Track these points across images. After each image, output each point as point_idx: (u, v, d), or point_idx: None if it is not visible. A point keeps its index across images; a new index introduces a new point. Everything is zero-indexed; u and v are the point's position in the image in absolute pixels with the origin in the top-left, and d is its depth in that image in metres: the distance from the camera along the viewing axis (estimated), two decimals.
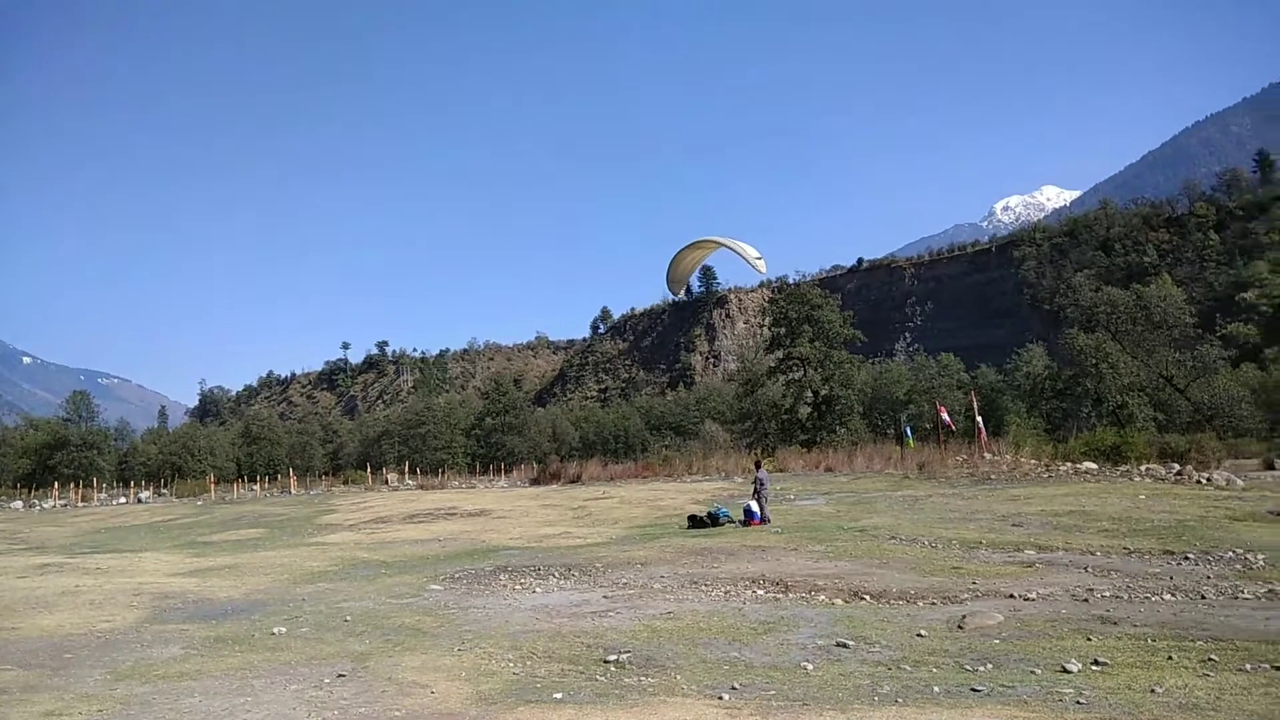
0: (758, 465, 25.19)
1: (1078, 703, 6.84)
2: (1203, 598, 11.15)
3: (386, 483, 60.84)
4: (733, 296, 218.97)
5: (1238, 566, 13.51)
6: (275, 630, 11.55)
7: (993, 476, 31.44)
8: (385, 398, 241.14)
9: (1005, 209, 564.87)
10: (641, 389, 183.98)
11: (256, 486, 68.04)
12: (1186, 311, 59.44)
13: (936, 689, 7.38)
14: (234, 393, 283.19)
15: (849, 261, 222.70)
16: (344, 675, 8.88)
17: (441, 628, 11.30)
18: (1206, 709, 6.56)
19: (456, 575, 16.28)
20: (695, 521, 22.51)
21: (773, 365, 68.16)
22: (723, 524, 22.17)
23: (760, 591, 12.74)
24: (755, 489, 22.82)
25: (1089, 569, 13.86)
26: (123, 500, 59.61)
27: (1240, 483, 26.42)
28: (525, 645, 9.88)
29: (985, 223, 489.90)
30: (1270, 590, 11.38)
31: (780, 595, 12.40)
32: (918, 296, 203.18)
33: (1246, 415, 54.64)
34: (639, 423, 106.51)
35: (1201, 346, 59.61)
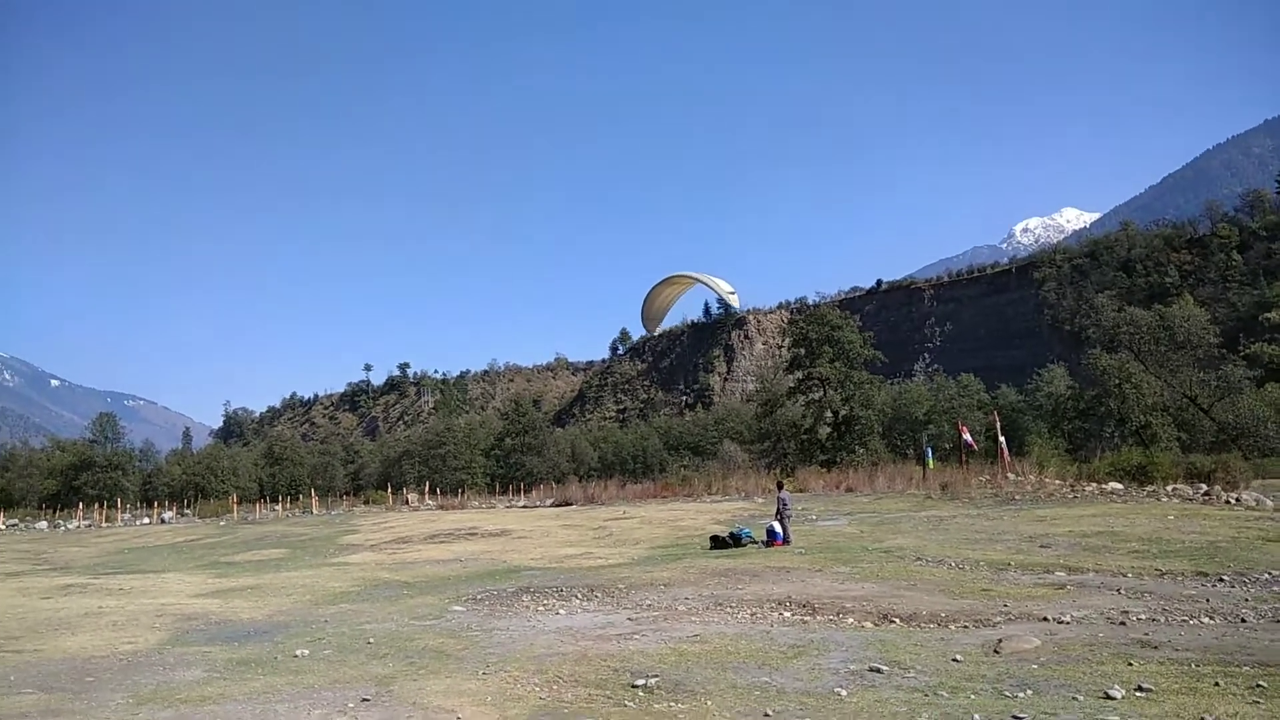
0: (779, 486, 24.99)
1: None
2: (1243, 621, 10.84)
3: (407, 503, 60.88)
4: (751, 318, 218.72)
5: (1275, 589, 13.15)
6: (298, 652, 11.45)
7: (1017, 497, 31.02)
8: (406, 418, 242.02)
9: (1025, 231, 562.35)
10: (660, 410, 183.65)
11: (279, 507, 68.30)
12: (1210, 331, 58.71)
13: (977, 716, 7.17)
14: (257, 414, 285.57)
15: (868, 283, 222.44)
16: (368, 700, 8.77)
17: (465, 650, 11.17)
18: None
19: (479, 596, 16.15)
20: (717, 542, 22.27)
21: (792, 385, 67.83)
22: (745, 544, 21.93)
23: (787, 614, 12.53)
24: (778, 509, 22.58)
25: (1122, 591, 13.54)
26: (146, 520, 59.98)
27: (1270, 503, 25.88)
28: (551, 669, 9.73)
29: (1005, 244, 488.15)
30: None
31: (808, 618, 12.18)
32: (937, 317, 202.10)
33: (1272, 435, 53.76)
34: (658, 443, 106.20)
35: (1225, 367, 58.70)
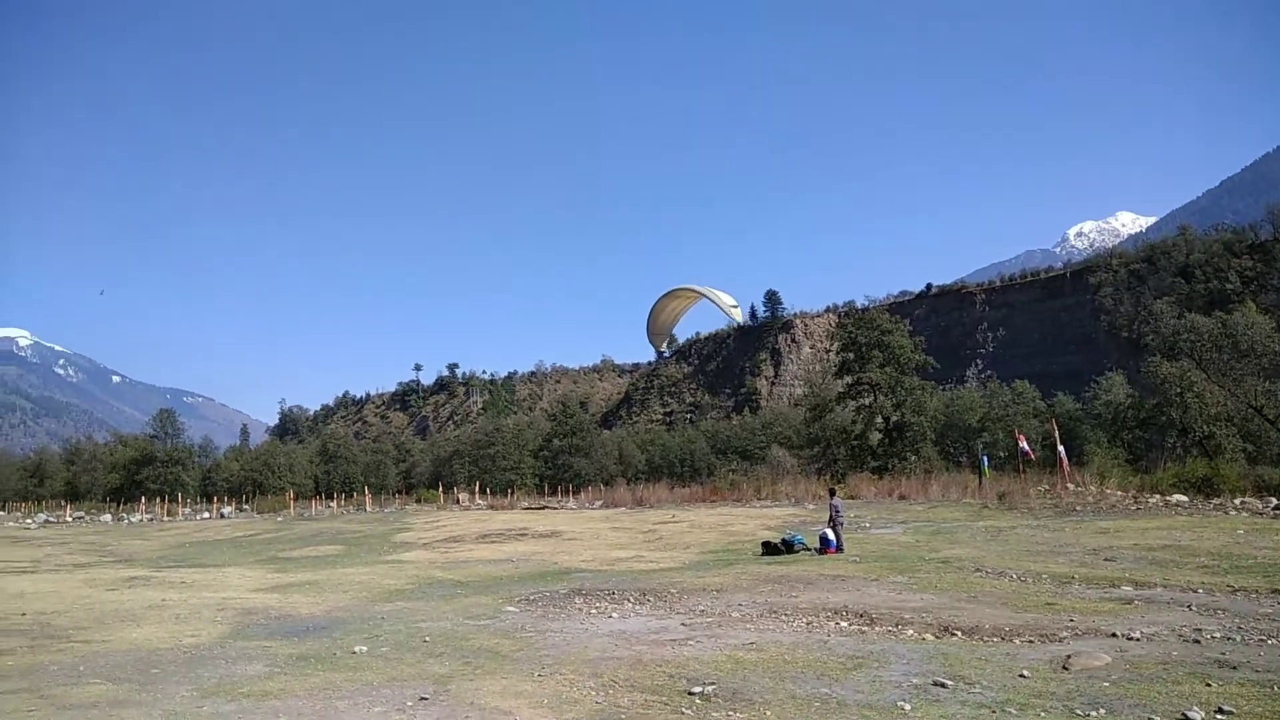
0: (832, 492, 24.66)
1: None
2: None
3: (458, 502, 61.55)
4: (798, 321, 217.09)
5: None
6: (356, 649, 11.59)
7: (1078, 508, 30.26)
8: (456, 418, 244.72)
9: (1079, 235, 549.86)
10: (707, 413, 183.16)
11: (333, 503, 69.49)
12: (1276, 340, 56.59)
13: None
14: (312, 412, 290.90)
15: (917, 286, 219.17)
16: (426, 698, 8.82)
17: (520, 651, 11.19)
18: None
19: (531, 597, 16.21)
20: (770, 548, 22.08)
21: (842, 390, 67.07)
22: (798, 551, 21.71)
23: (844, 623, 12.33)
24: (830, 516, 22.31)
25: (1193, 607, 13.07)
26: (206, 515, 61.46)
27: None
28: (606, 673, 9.69)
29: (1058, 249, 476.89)
30: None
31: (865, 628, 11.98)
32: (989, 323, 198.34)
33: None
34: (705, 446, 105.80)
35: None
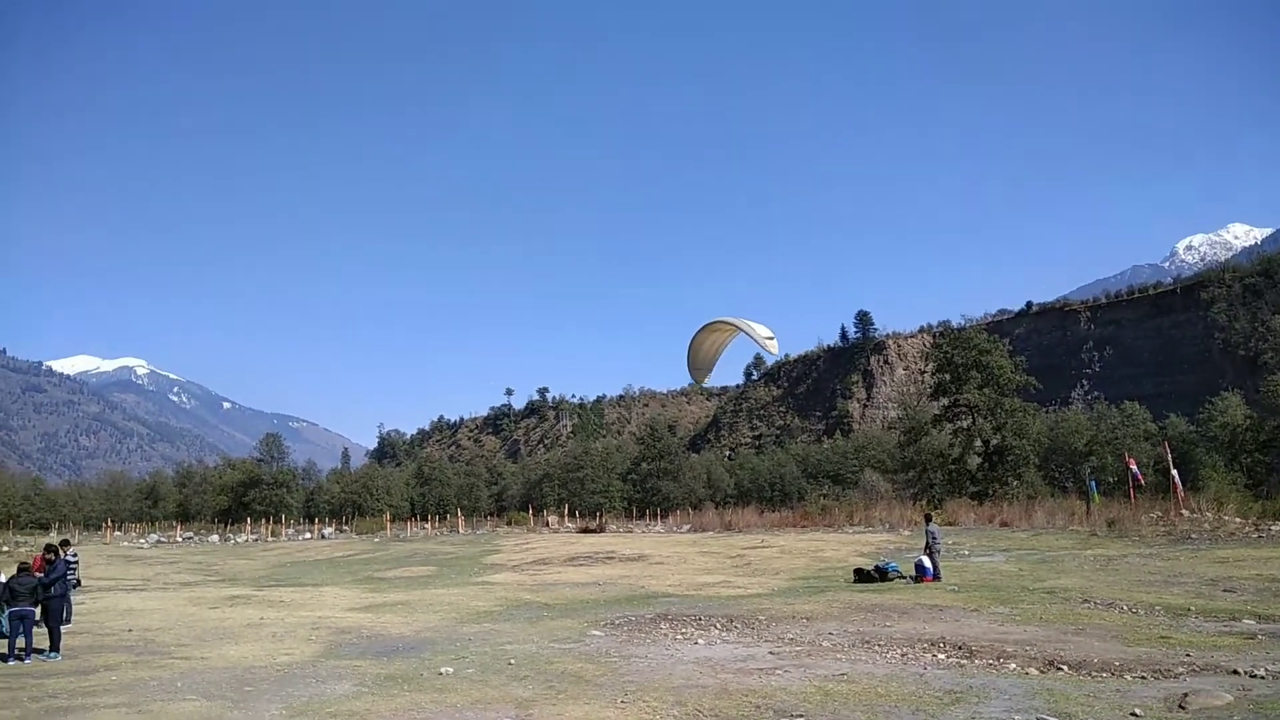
0: (928, 518, 23.84)
1: None
2: None
3: (548, 525, 62.03)
4: (891, 342, 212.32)
5: None
6: (443, 670, 11.66)
7: (1193, 536, 28.51)
8: (546, 442, 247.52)
9: (1189, 248, 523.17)
10: (796, 436, 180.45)
11: (428, 525, 70.94)
12: None
13: None
14: (409, 436, 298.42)
15: (1016, 305, 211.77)
16: None
17: (604, 676, 11.06)
18: None
19: (617, 621, 16.09)
20: (862, 575, 21.44)
21: (938, 413, 65.00)
22: (891, 579, 21.01)
23: (941, 656, 11.79)
24: (927, 543, 21.52)
25: None
26: (308, 536, 63.51)
27: None
28: (690, 701, 9.47)
29: (1167, 263, 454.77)
30: None
31: (964, 661, 11.42)
32: (1095, 341, 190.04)
33: None
34: (795, 470, 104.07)
35: None
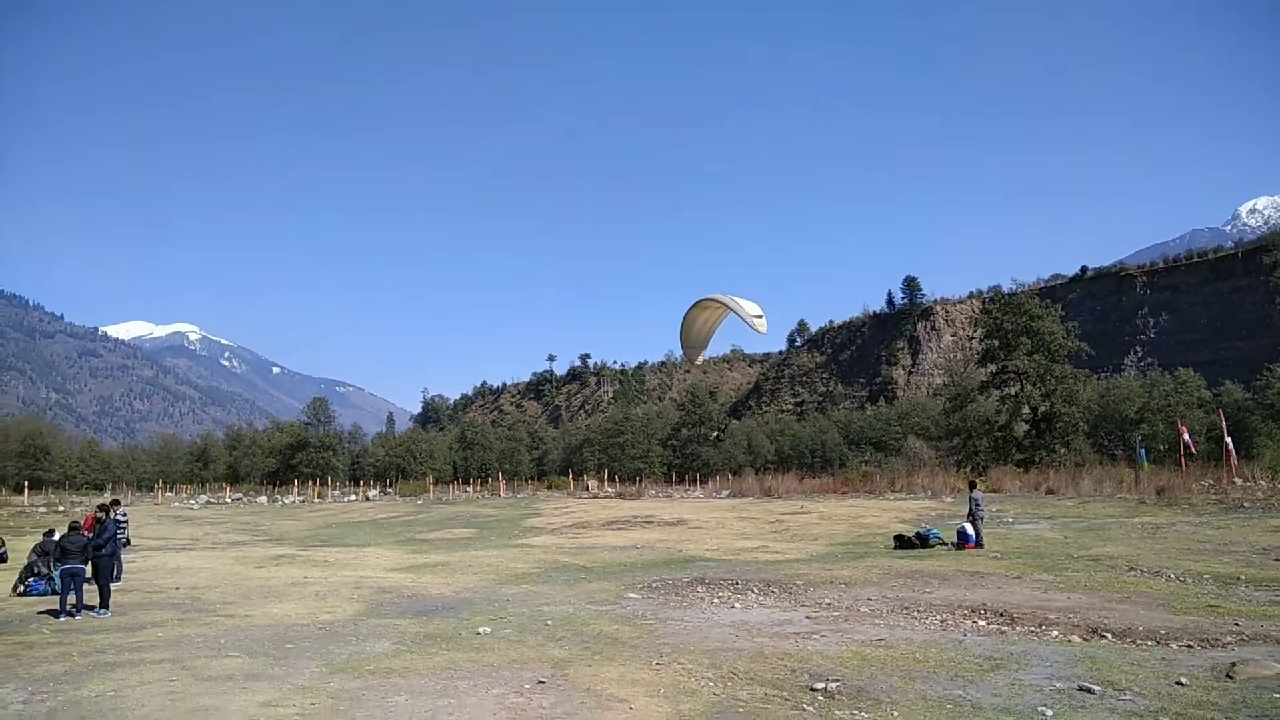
0: (972, 485, 23.48)
1: None
2: None
3: (587, 489, 62.41)
4: (938, 308, 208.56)
5: None
6: (480, 630, 11.76)
7: (1246, 504, 27.74)
8: (587, 407, 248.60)
9: (1252, 212, 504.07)
10: (839, 403, 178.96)
11: (470, 488, 71.89)
12: None
13: None
14: (452, 401, 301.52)
15: (1071, 270, 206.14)
16: (544, 682, 8.80)
17: (640, 638, 11.06)
18: None
19: (654, 584, 16.10)
20: (903, 542, 21.21)
21: (985, 379, 63.89)
22: (933, 545, 20.76)
23: (981, 622, 11.59)
24: (970, 510, 21.21)
25: None
26: (353, 498, 64.72)
27: None
28: (725, 664, 9.43)
29: (1229, 227, 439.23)
30: None
31: (1005, 628, 11.21)
32: (1151, 307, 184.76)
33: None
34: (837, 437, 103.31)
35: None
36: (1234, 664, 8.71)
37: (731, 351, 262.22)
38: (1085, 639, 10.47)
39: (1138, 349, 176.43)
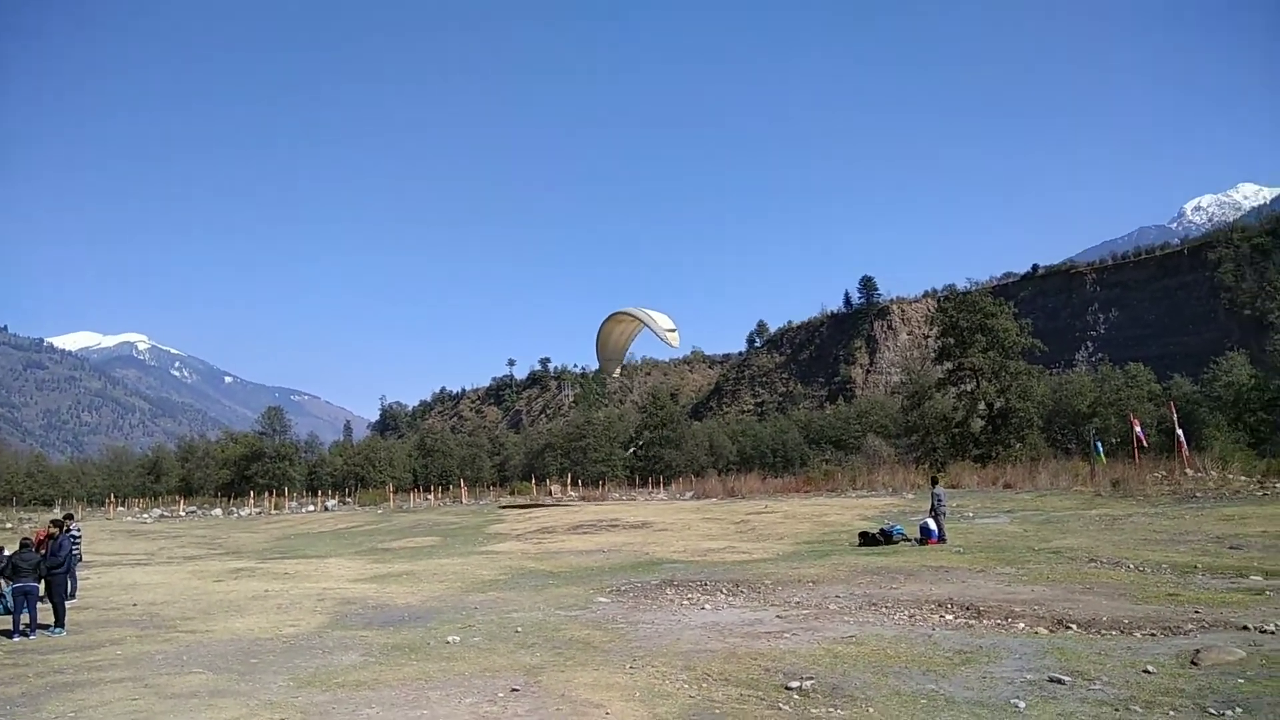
0: (934, 481, 23.78)
1: None
2: None
3: (550, 494, 62.09)
4: (894, 307, 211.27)
5: None
6: (449, 639, 11.62)
7: (1198, 494, 28.46)
8: (548, 412, 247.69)
9: (1196, 209, 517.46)
10: (799, 403, 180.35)
11: (431, 496, 71.08)
12: None
13: None
14: (411, 407, 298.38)
15: (1022, 268, 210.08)
16: (517, 689, 8.71)
17: (612, 643, 11.01)
18: None
19: (623, 588, 16.05)
20: (867, 538, 21.41)
21: (942, 377, 64.81)
22: (897, 541, 20.98)
23: (949, 617, 11.73)
24: (932, 506, 21.47)
25: None
26: (311, 508, 63.66)
27: None
28: (699, 666, 9.41)
29: (1174, 224, 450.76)
30: None
31: (973, 621, 11.35)
32: (1100, 304, 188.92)
33: None
34: (798, 436, 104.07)
35: None
36: (1198, 651, 8.91)
37: (692, 353, 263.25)
38: (1051, 630, 10.64)
39: (1088, 344, 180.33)
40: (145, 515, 60.99)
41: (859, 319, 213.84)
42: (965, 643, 9.99)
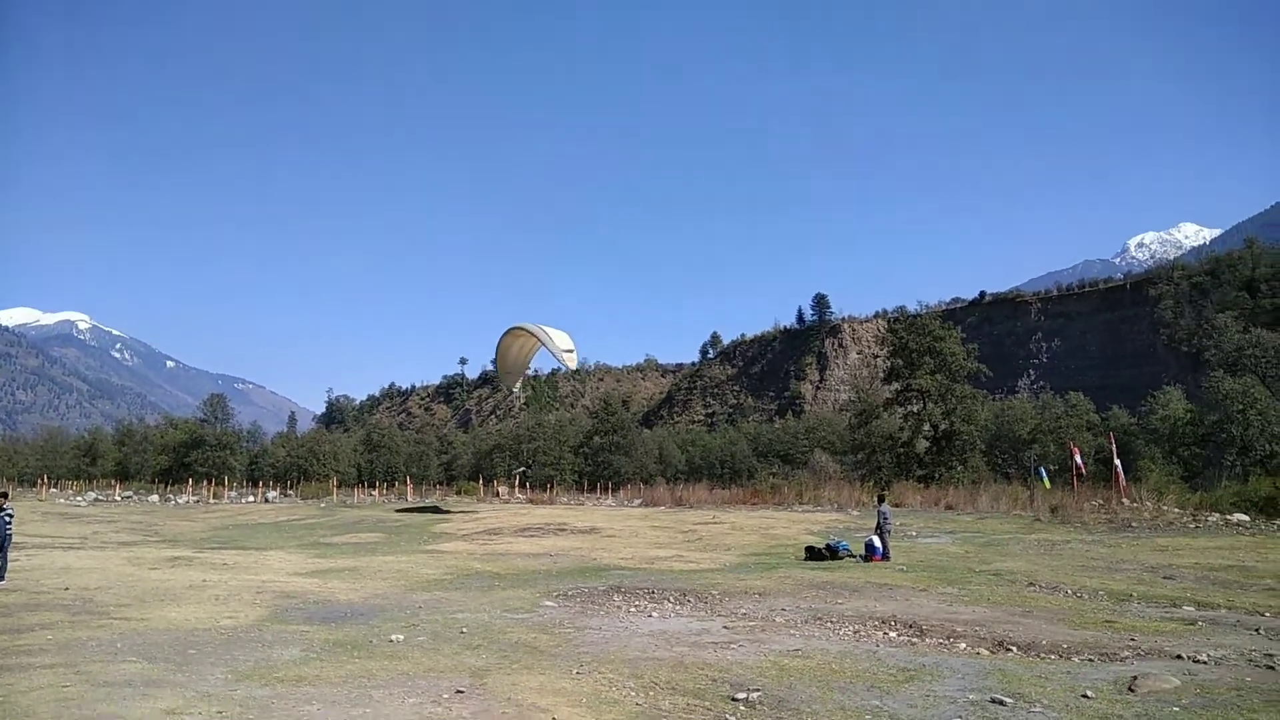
0: (880, 499, 24.09)
1: None
2: None
3: (498, 495, 61.65)
4: (846, 325, 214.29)
5: None
6: (393, 638, 11.45)
7: (1134, 524, 29.28)
8: (499, 412, 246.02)
9: (1140, 246, 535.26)
10: (749, 415, 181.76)
11: (375, 492, 70.12)
12: None
13: None
14: (358, 402, 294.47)
15: (970, 294, 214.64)
16: (462, 691, 8.61)
17: (558, 647, 10.95)
18: None
19: (569, 593, 15.99)
20: (813, 553, 21.62)
21: (889, 396, 65.88)
22: (842, 557, 21.22)
23: (893, 634, 11.87)
24: (878, 523, 21.77)
25: (1261, 631, 12.36)
26: (251, 499, 62.41)
27: None
28: (646, 674, 9.40)
29: (1119, 259, 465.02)
30: None
31: (916, 640, 11.51)
32: (1044, 333, 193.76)
33: None
34: (746, 449, 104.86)
35: None
36: (1135, 678, 9.12)
37: (645, 361, 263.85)
38: (993, 652, 10.83)
39: (1030, 372, 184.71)
40: (79, 498, 59.16)
41: (811, 335, 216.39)
42: (909, 660, 10.13)
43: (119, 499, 60.17)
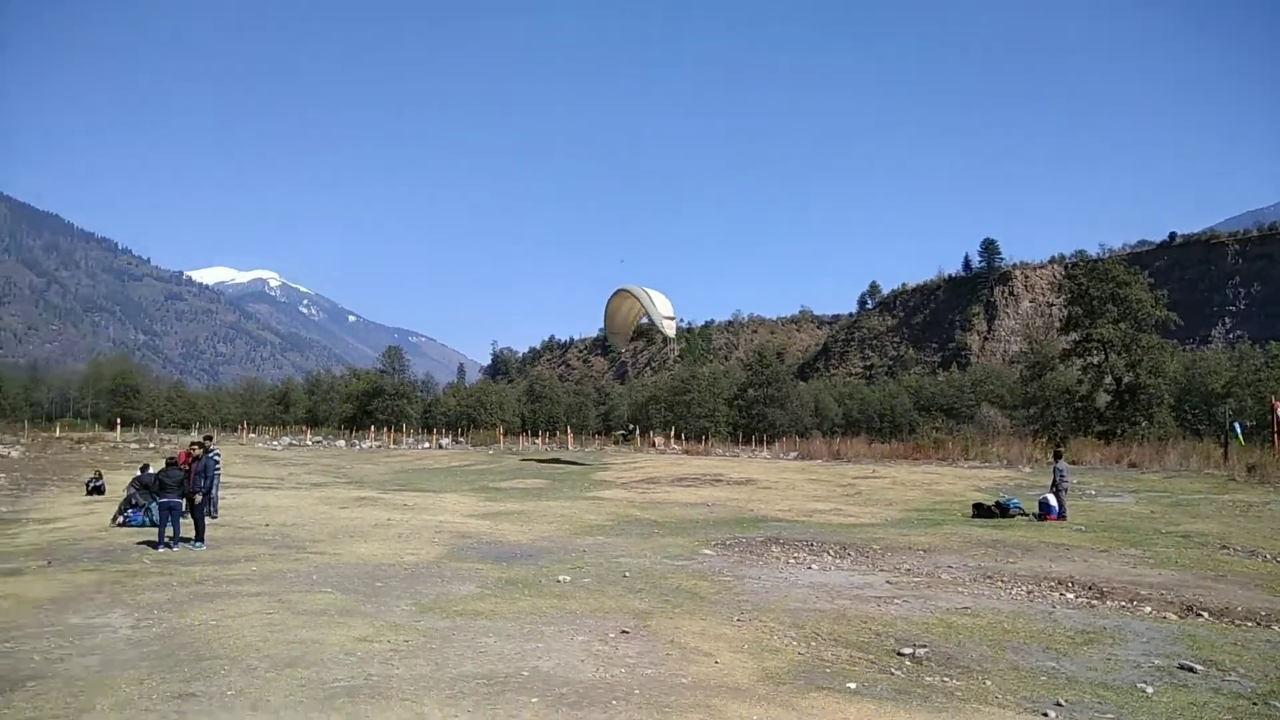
0: (1057, 455, 22.85)
1: None
2: None
3: (654, 445, 62.66)
4: (1017, 273, 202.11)
5: None
6: (560, 578, 11.94)
7: None
8: (653, 365, 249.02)
9: None
10: (910, 368, 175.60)
11: (538, 440, 72.80)
12: None
13: None
14: (520, 354, 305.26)
15: (1159, 236, 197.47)
16: (627, 632, 8.89)
17: (718, 594, 11.10)
18: None
19: (728, 542, 16.12)
20: (981, 510, 20.78)
21: (1067, 348, 61.81)
22: (1013, 515, 20.29)
23: (1070, 595, 11.29)
24: (1054, 480, 20.65)
25: None
26: (426, 445, 66.23)
27: None
28: (808, 624, 9.38)
29: None
30: None
31: (1095, 602, 10.90)
32: (1242, 277, 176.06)
33: None
34: (907, 402, 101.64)
35: None
36: None
37: (800, 312, 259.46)
38: (1181, 616, 10.13)
39: (1226, 320, 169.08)
40: (275, 443, 64.61)
41: (978, 284, 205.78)
42: (1088, 623, 9.62)
43: (309, 443, 65.29)
